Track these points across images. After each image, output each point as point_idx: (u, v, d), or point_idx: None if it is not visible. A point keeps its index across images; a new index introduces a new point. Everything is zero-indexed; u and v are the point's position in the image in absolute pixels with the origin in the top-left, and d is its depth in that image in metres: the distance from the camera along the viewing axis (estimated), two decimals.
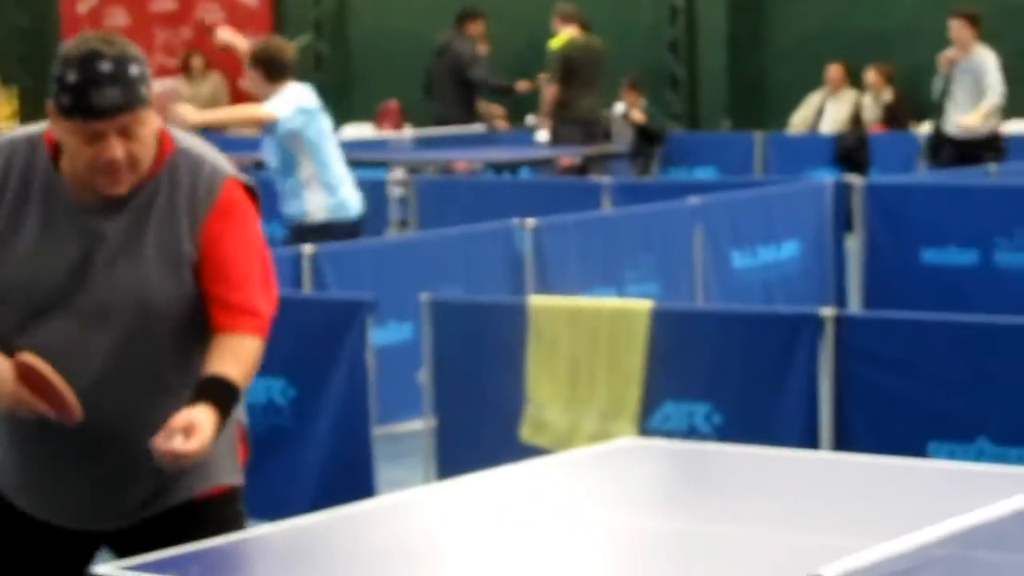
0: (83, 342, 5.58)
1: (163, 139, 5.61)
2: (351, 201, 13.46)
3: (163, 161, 5.59)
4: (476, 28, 24.03)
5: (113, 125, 5.38)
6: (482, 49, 24.40)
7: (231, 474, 5.89)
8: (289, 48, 14.22)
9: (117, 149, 5.40)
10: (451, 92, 24.12)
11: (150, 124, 5.50)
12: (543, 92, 21.21)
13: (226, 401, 5.45)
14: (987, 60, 18.88)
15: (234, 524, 5.74)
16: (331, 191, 13.30)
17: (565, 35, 21.49)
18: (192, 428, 5.28)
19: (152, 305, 5.59)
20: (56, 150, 5.61)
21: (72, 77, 5.37)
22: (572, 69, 21.27)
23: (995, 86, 18.65)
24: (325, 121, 13.60)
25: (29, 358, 5.36)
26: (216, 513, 5.77)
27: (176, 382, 5.63)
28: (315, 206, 13.27)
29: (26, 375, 5.38)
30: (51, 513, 5.79)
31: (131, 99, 5.38)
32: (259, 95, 13.68)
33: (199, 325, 5.65)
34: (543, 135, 22.61)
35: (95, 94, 5.33)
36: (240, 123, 13.27)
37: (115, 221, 5.59)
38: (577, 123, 21.34)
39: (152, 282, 5.59)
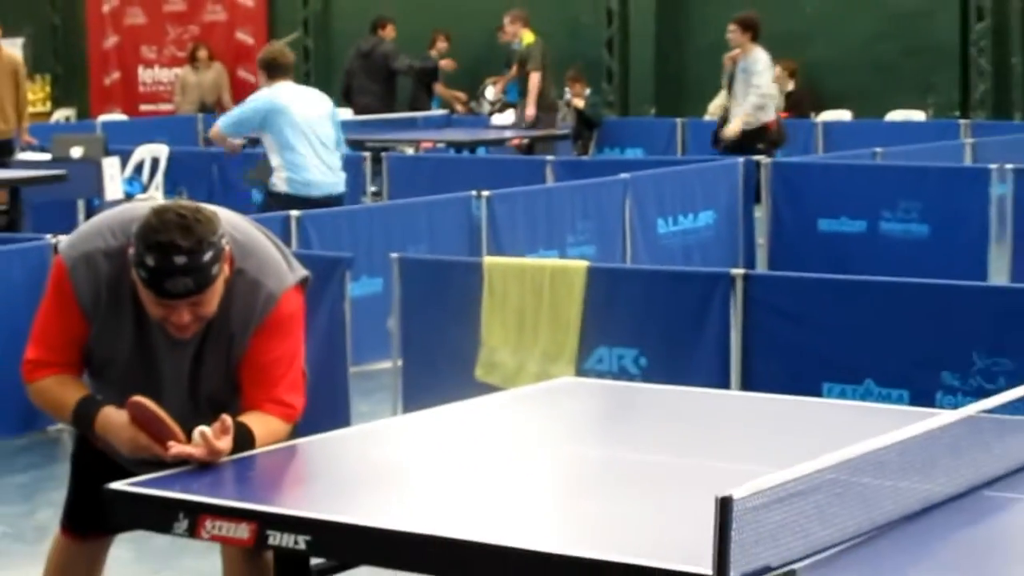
0: (159, 401, 5.53)
1: (230, 262, 5.52)
2: (317, 181, 13.68)
3: (227, 291, 5.54)
4: (390, 32, 24.13)
5: (183, 303, 5.35)
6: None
7: None
8: (286, 52, 14.47)
9: (185, 316, 5.39)
10: (377, 85, 24.24)
11: (218, 287, 5.44)
12: (529, 81, 21.09)
13: (245, 443, 5.46)
14: (758, 61, 18.79)
15: None
16: (295, 170, 13.61)
17: (531, 35, 21.44)
18: (227, 430, 5.33)
19: (205, 398, 5.68)
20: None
21: (150, 261, 5.27)
22: (544, 63, 21.30)
23: (760, 86, 18.54)
24: (299, 115, 13.72)
25: (140, 398, 5.38)
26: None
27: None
28: (278, 178, 13.77)
29: (137, 413, 5.40)
30: (140, 466, 5.77)
31: (201, 284, 5.32)
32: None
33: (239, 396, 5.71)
34: (497, 118, 22.61)
35: (169, 282, 5.27)
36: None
37: (187, 339, 5.58)
38: (547, 108, 21.38)
39: (208, 386, 5.68)
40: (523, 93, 21.53)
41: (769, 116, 18.93)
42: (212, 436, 5.27)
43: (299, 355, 5.79)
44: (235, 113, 14.28)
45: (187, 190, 17.56)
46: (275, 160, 13.80)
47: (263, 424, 5.58)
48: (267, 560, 5.82)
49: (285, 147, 13.71)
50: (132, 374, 5.63)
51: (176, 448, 5.25)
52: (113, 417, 5.49)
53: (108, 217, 5.75)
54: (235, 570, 5.96)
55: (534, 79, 21.08)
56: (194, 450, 5.25)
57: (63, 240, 5.75)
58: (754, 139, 18.52)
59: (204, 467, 5.23)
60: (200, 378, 5.66)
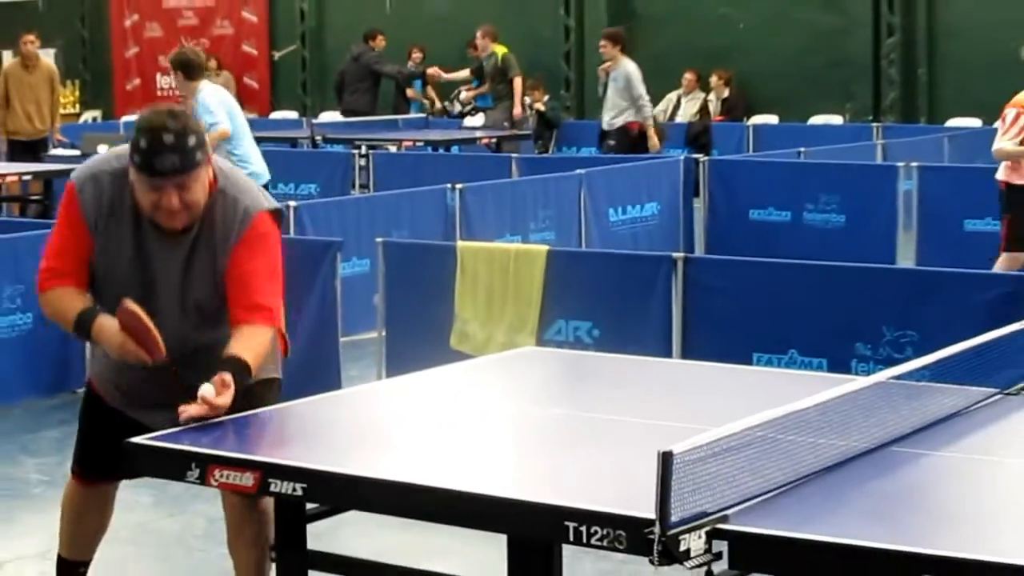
0: (153, 313, 5.58)
1: (211, 183, 5.64)
2: (259, 172, 13.35)
3: (210, 202, 5.64)
4: (380, 42, 24.10)
5: (171, 182, 5.44)
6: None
7: (273, 371, 5.95)
8: (198, 53, 14.13)
9: (173, 198, 5.47)
10: (364, 87, 24.15)
11: (202, 179, 5.55)
12: (514, 85, 21.02)
13: (241, 376, 5.43)
14: (629, 72, 18.69)
15: (269, 403, 5.83)
16: (243, 163, 13.04)
17: (501, 47, 21.37)
18: (227, 385, 5.31)
19: (195, 302, 5.71)
20: None
21: (143, 143, 5.42)
22: (521, 71, 21.27)
23: (642, 95, 18.53)
24: (236, 110, 13.64)
25: (130, 304, 5.42)
26: (255, 397, 5.72)
27: (211, 340, 5.67)
28: None
29: (127, 318, 5.44)
30: (136, 414, 5.79)
31: (186, 165, 5.43)
32: (179, 91, 13.72)
33: (225, 312, 5.70)
34: (469, 120, 22.59)
35: (158, 160, 5.39)
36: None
37: (174, 243, 5.66)
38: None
39: (197, 288, 5.69)
40: (497, 99, 21.45)
41: (643, 118, 18.79)
42: (214, 393, 5.26)
43: (276, 272, 5.81)
44: (217, 112, 13.33)
45: None
46: (221, 154, 12.70)
47: (250, 342, 5.58)
48: (262, 506, 5.85)
49: (233, 141, 13.37)
50: (130, 285, 5.64)
51: (185, 416, 5.24)
52: (106, 324, 5.55)
53: (115, 148, 5.88)
54: (235, 516, 5.96)
55: (518, 84, 21.01)
56: (198, 411, 5.24)
57: (82, 169, 5.80)
58: (620, 138, 18.43)
59: (213, 424, 5.23)
60: (189, 285, 5.67)
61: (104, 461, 5.97)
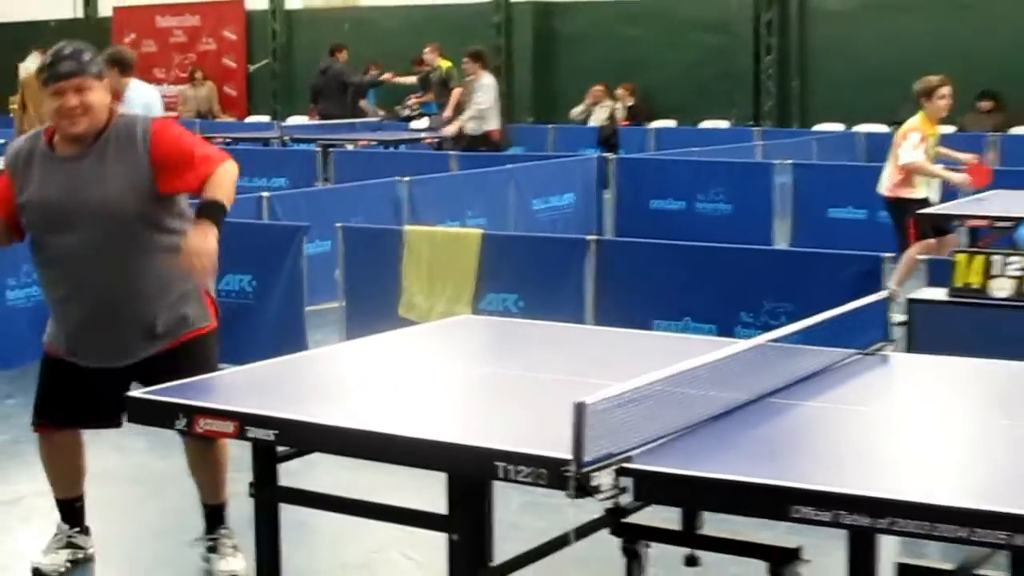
0: (83, 241, 5.71)
1: (111, 111, 5.82)
2: None
3: (111, 123, 5.78)
4: (343, 56, 24.12)
5: (70, 84, 5.64)
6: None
7: (205, 320, 6.00)
8: (130, 51, 13.75)
9: (72, 99, 5.65)
10: (335, 96, 24.19)
11: (99, 91, 5.75)
12: (456, 94, 20.94)
13: (218, 215, 5.65)
14: (485, 85, 18.60)
15: (212, 354, 5.92)
16: None
17: (446, 61, 21.26)
18: (198, 255, 5.57)
19: (114, 211, 5.70)
20: (51, 135, 5.85)
21: (47, 59, 5.74)
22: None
23: (480, 103, 18.30)
24: (155, 109, 12.89)
25: None
26: (200, 347, 5.90)
27: (146, 261, 5.76)
28: None
29: None
30: (88, 359, 5.80)
31: (82, 69, 5.68)
32: (114, 85, 13.36)
33: (154, 222, 5.77)
34: (415, 123, 22.56)
35: (58, 65, 5.67)
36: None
37: (84, 161, 5.75)
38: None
39: (113, 196, 5.71)
40: (441, 106, 21.32)
41: (491, 126, 18.63)
42: (198, 243, 5.56)
43: (194, 137, 6.02)
44: (155, 109, 12.80)
45: None
46: None
47: (217, 184, 5.72)
48: (216, 448, 5.96)
49: None
50: (54, 210, 5.74)
51: (185, 266, 5.61)
52: None
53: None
54: (197, 448, 6.15)
55: (455, 94, 20.86)
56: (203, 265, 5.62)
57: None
58: (479, 142, 18.32)
59: (197, 381, 5.25)
60: (108, 196, 5.70)
61: (65, 409, 6.00)
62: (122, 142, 5.75)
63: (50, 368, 6.02)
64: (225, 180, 5.77)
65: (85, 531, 6.30)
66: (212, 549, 6.18)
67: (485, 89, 18.38)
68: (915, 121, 11.98)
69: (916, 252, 11.25)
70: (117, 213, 5.71)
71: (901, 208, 11.88)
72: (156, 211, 5.80)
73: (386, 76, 24.62)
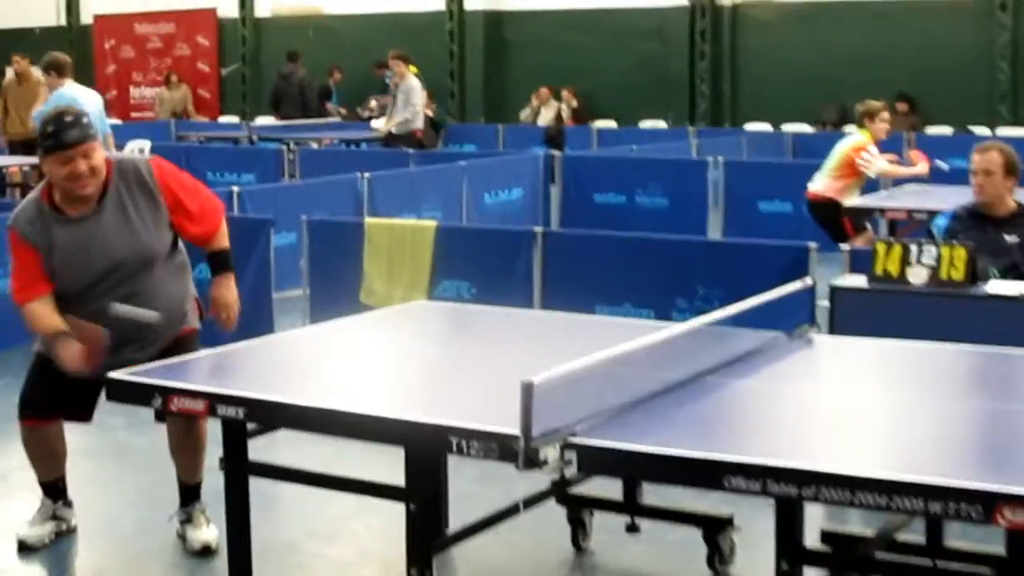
0: (112, 287, 5.72)
1: (107, 162, 5.75)
2: None
3: (111, 174, 5.74)
4: (300, 62, 24.37)
5: (78, 151, 5.57)
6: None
7: (194, 321, 6.07)
8: (66, 56, 13.59)
9: (81, 164, 5.59)
10: (295, 100, 24.34)
11: (99, 152, 5.69)
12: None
13: (231, 263, 6.10)
14: (412, 86, 18.31)
15: (195, 350, 5.85)
16: None
17: (412, 67, 21.09)
18: (226, 307, 6.08)
19: (143, 255, 5.77)
20: (49, 199, 5.76)
21: (50, 128, 5.60)
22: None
23: (415, 104, 18.04)
24: (91, 111, 12.80)
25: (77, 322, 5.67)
26: (187, 344, 5.91)
27: (164, 286, 5.85)
28: None
29: (93, 335, 5.62)
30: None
31: (87, 135, 5.61)
32: (49, 86, 13.22)
33: (170, 251, 5.89)
34: (375, 123, 22.46)
35: (64, 134, 5.56)
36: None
37: (102, 216, 5.72)
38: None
39: (142, 243, 5.76)
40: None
41: (418, 125, 18.39)
42: (227, 315, 6.06)
43: (199, 187, 6.07)
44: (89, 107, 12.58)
45: None
46: None
47: (224, 234, 6.08)
48: (197, 431, 5.94)
49: None
50: (86, 268, 5.70)
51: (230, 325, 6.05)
52: (60, 342, 5.66)
53: (22, 203, 5.94)
54: (179, 430, 6.05)
55: (425, 96, 20.69)
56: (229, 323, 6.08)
57: (10, 217, 5.85)
58: (405, 140, 18.07)
59: (170, 363, 5.25)
60: (136, 238, 5.74)
61: (52, 403, 5.95)
62: (132, 189, 5.76)
63: (42, 366, 5.93)
64: (225, 235, 6.11)
65: (68, 504, 6.26)
66: (187, 521, 6.15)
67: (415, 90, 18.11)
68: (863, 139, 12.03)
69: (862, 242, 11.39)
70: (145, 255, 5.77)
71: (832, 209, 11.93)
72: (170, 241, 5.92)
73: (335, 77, 24.86)
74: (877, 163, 11.89)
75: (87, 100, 12.88)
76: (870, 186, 13.21)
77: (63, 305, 5.75)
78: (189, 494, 6.20)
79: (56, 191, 5.73)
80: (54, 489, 6.22)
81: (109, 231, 5.71)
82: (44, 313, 5.72)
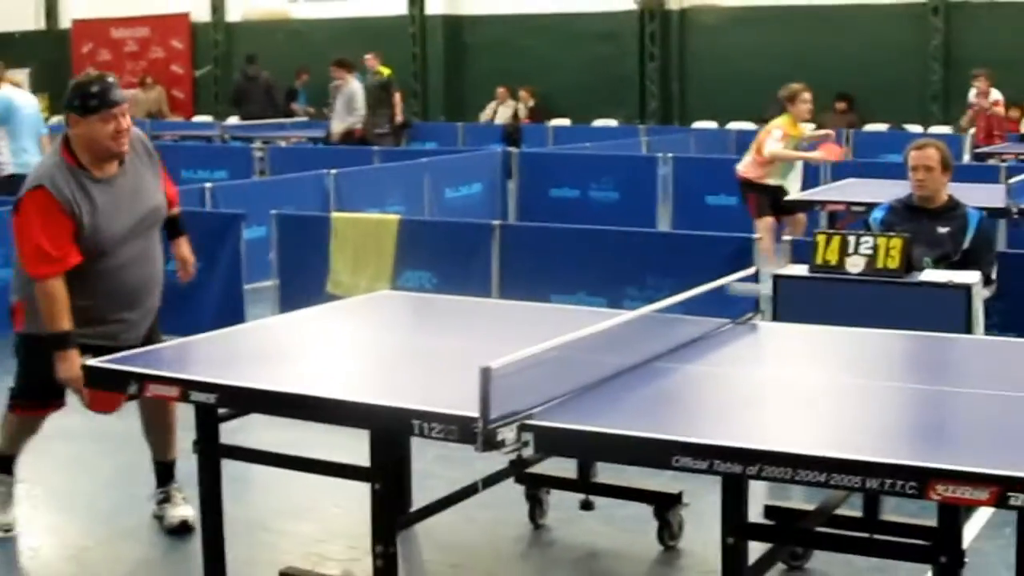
0: (136, 246, 5.74)
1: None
2: (29, 162, 11.89)
3: (128, 149, 5.72)
4: (258, 63, 24.57)
5: (120, 109, 5.58)
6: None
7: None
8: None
9: (124, 121, 5.61)
10: (260, 100, 24.26)
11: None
12: (397, 97, 20.48)
13: (185, 226, 6.27)
14: (354, 90, 17.98)
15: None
16: (20, 155, 12.32)
17: (386, 68, 20.91)
18: (188, 262, 6.26)
19: (159, 214, 5.90)
20: (74, 158, 5.62)
21: (95, 88, 5.58)
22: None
23: (358, 108, 17.76)
24: (25, 112, 12.66)
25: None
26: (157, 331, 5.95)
27: (159, 249, 5.96)
28: (5, 162, 12.38)
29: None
30: (114, 339, 5.70)
31: (124, 97, 5.67)
32: None
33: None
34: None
35: (112, 93, 5.58)
36: None
37: (127, 177, 5.72)
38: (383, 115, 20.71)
39: (158, 203, 5.87)
40: (377, 107, 20.75)
41: (357, 125, 18.12)
42: (189, 269, 6.24)
43: None
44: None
45: None
46: (3, 148, 12.39)
47: (177, 204, 6.18)
48: (168, 412, 6.06)
49: (15, 137, 12.47)
50: (122, 229, 5.64)
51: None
52: (71, 356, 5.48)
53: (42, 162, 5.83)
54: (151, 411, 6.12)
55: (399, 97, 20.54)
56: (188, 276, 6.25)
57: (29, 180, 5.60)
58: (346, 139, 17.84)
59: (148, 350, 5.21)
60: (154, 200, 5.81)
61: (46, 391, 5.84)
62: (139, 154, 5.80)
63: (37, 354, 5.68)
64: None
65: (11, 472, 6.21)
66: (164, 500, 6.14)
67: (357, 93, 17.79)
68: (780, 121, 12.11)
69: (762, 227, 11.53)
70: (158, 213, 5.87)
71: (751, 188, 12.07)
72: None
73: (302, 76, 24.94)
74: (771, 145, 11.93)
75: (24, 102, 12.86)
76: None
77: (88, 270, 5.57)
78: (165, 474, 6.18)
79: (84, 153, 5.58)
80: (10, 463, 6.15)
81: (134, 190, 5.72)
82: (63, 298, 5.47)
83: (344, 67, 17.78)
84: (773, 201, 11.90)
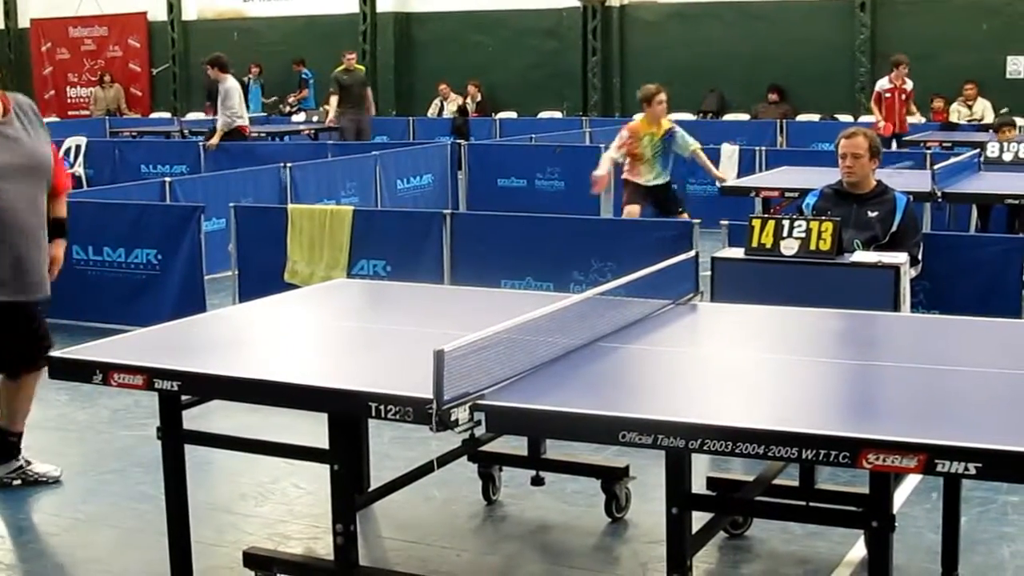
0: (22, 189, 5.98)
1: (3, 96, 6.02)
2: None
3: (6, 100, 6.03)
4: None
5: None
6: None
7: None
8: None
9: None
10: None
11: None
12: (367, 96, 20.19)
13: (67, 232, 6.37)
14: (229, 88, 17.24)
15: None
16: None
17: (360, 67, 20.67)
18: (57, 263, 6.29)
19: (45, 166, 6.11)
20: None
21: None
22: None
23: (232, 107, 16.52)
24: None
25: None
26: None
27: (44, 208, 6.17)
28: None
29: None
30: (26, 291, 6.03)
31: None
32: None
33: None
34: (295, 118, 22.34)
35: None
36: None
37: (14, 123, 6.00)
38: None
39: (43, 153, 6.10)
40: (354, 104, 20.32)
41: (244, 122, 17.37)
42: (57, 270, 6.23)
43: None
44: None
45: (97, 167, 17.17)
46: None
47: (64, 206, 6.38)
48: (28, 382, 6.23)
49: None
50: (17, 173, 5.92)
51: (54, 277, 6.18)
52: None
53: None
54: (9, 387, 6.26)
55: (369, 94, 20.25)
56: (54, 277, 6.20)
57: None
58: (232, 136, 17.39)
59: (112, 340, 5.17)
60: (33, 148, 6.01)
61: (18, 357, 6.00)
62: (28, 114, 6.06)
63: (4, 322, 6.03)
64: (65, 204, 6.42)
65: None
66: (28, 463, 6.39)
67: (232, 91, 17.33)
68: (635, 122, 12.05)
69: (626, 214, 11.49)
70: (47, 164, 6.07)
71: (625, 184, 11.93)
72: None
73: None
74: (612, 148, 11.80)
75: None
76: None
77: None
78: (17, 442, 6.37)
79: None
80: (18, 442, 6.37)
81: (21, 136, 5.97)
82: None
83: (219, 66, 17.31)
84: (656, 201, 11.69)
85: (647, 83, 12.28)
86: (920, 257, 7.61)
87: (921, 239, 7.72)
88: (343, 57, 20.28)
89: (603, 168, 11.50)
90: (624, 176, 11.95)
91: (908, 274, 7.34)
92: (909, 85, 17.91)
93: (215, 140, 16.37)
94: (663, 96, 11.84)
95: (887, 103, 17.75)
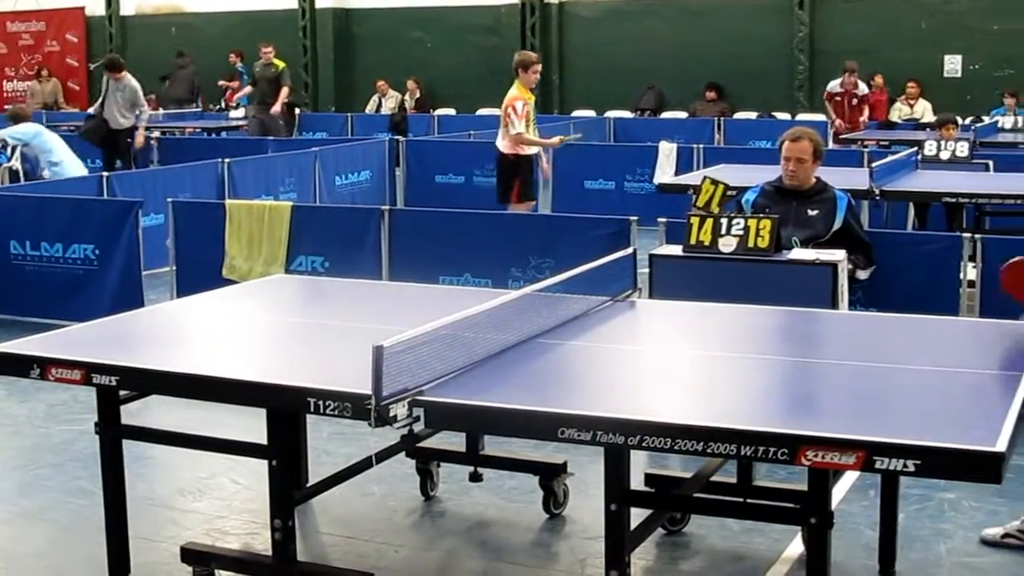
0: None
1: None
2: None
3: None
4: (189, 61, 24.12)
5: None
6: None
7: None
8: None
9: None
10: (184, 87, 24.09)
11: None
12: (282, 90, 19.96)
13: None
14: (135, 87, 16.96)
15: None
16: None
17: (279, 61, 20.43)
18: None
19: None
20: None
21: None
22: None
23: (140, 103, 16.24)
24: None
25: None
26: None
27: None
28: None
29: None
30: None
31: None
32: None
33: None
34: (234, 112, 22.18)
35: None
36: None
37: None
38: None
39: None
40: (261, 100, 20.21)
41: (142, 121, 16.59)
42: None
43: None
44: None
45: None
46: None
47: None
48: None
49: None
50: None
51: None
52: None
53: None
54: None
55: (282, 92, 19.99)
56: None
57: None
58: (128, 134, 17.06)
59: (51, 335, 5.12)
60: None
61: None
62: None
63: None
64: None
65: None
66: None
67: (138, 92, 16.98)
68: (515, 91, 12.06)
69: (523, 208, 11.52)
70: None
71: (513, 165, 11.91)
72: None
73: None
74: (518, 124, 11.78)
75: None
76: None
77: None
78: None
79: None
80: None
81: None
82: None
83: (111, 67, 16.96)
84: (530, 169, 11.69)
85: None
86: (875, 259, 7.65)
87: (867, 236, 7.73)
88: (260, 50, 20.14)
89: (543, 146, 11.70)
90: (507, 152, 11.85)
91: (859, 275, 7.41)
92: (863, 89, 18.21)
93: (140, 139, 16.27)
94: (539, 67, 12.11)
95: (836, 105, 18.23)
